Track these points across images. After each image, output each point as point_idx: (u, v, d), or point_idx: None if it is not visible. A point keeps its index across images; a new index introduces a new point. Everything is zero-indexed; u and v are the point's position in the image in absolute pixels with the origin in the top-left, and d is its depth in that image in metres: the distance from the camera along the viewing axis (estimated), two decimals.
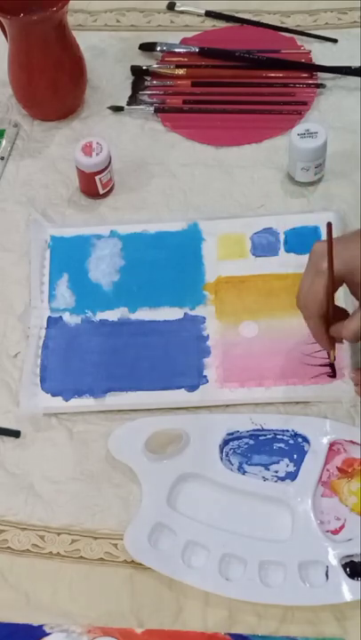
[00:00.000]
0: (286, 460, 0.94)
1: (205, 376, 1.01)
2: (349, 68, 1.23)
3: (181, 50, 1.28)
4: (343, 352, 1.00)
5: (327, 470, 0.93)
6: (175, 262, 1.10)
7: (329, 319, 0.93)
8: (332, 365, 0.99)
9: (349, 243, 0.91)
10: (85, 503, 0.95)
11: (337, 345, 1.00)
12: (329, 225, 0.88)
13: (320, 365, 1.00)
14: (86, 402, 1.01)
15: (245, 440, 0.96)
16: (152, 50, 1.28)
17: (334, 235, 0.87)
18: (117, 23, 1.34)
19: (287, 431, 0.95)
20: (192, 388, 1.00)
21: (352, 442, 0.94)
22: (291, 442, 0.95)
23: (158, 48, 1.28)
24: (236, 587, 0.88)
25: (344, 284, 0.92)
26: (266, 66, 1.25)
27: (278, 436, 0.95)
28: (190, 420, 0.97)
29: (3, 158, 1.21)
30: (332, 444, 0.94)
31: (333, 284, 0.90)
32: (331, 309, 0.92)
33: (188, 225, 1.12)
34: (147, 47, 1.29)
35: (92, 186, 1.15)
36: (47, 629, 0.89)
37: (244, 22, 1.32)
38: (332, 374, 0.99)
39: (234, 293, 1.07)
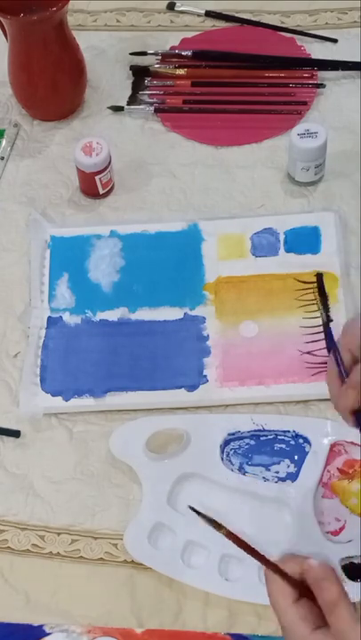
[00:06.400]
0: (287, 461, 0.94)
1: (205, 376, 1.01)
2: (349, 63, 1.24)
3: (173, 54, 1.28)
4: None
5: (328, 471, 0.93)
6: (175, 262, 1.10)
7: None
8: None
9: None
10: (85, 503, 0.95)
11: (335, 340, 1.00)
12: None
13: (320, 363, 1.00)
14: (86, 402, 1.01)
15: (246, 440, 0.96)
16: (144, 55, 1.29)
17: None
18: (117, 23, 1.33)
19: (288, 432, 0.96)
20: (192, 388, 1.00)
21: (353, 443, 0.94)
22: (292, 442, 0.95)
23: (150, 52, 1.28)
24: (236, 587, 0.88)
25: None
26: (266, 65, 1.25)
27: (279, 437, 0.96)
28: (191, 420, 0.97)
29: (3, 158, 1.21)
30: (332, 445, 0.94)
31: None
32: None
33: (188, 225, 1.12)
34: (138, 54, 1.29)
35: (92, 186, 1.14)
36: (47, 629, 0.89)
37: (244, 22, 1.32)
38: None
39: (234, 293, 1.07)
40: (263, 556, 0.68)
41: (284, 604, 0.67)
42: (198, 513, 0.69)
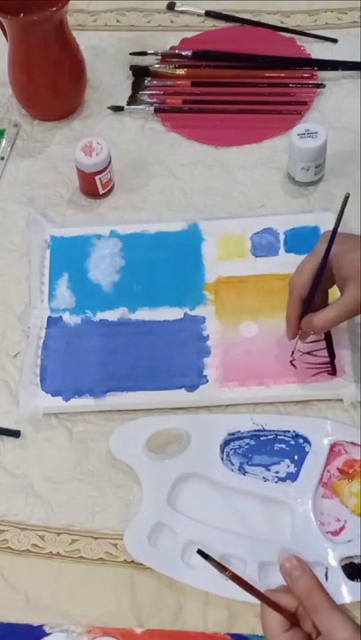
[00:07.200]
0: (287, 461, 0.94)
1: (205, 376, 1.01)
2: (349, 63, 1.24)
3: (173, 54, 1.28)
4: (343, 349, 1.01)
5: (328, 471, 0.93)
6: (175, 262, 1.10)
7: (309, 307, 0.94)
8: (332, 363, 0.99)
9: (353, 239, 0.92)
10: (85, 503, 0.95)
11: (335, 340, 1.00)
12: (346, 196, 0.88)
13: (320, 364, 1.00)
14: (86, 402, 1.01)
15: (246, 440, 0.96)
16: (144, 56, 1.29)
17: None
18: (117, 23, 1.34)
19: (288, 432, 0.96)
20: (192, 388, 1.00)
21: (353, 443, 0.94)
22: (292, 442, 0.95)
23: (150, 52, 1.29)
24: (236, 587, 0.87)
25: None
26: (266, 65, 1.25)
27: (279, 437, 0.96)
28: (191, 420, 0.97)
29: (3, 158, 1.21)
30: (332, 445, 0.94)
31: (323, 266, 0.91)
32: (313, 295, 0.93)
33: (188, 225, 1.12)
34: (138, 54, 1.29)
35: (92, 186, 1.15)
36: (47, 629, 0.89)
37: (244, 22, 1.32)
38: (333, 372, 0.99)
39: (234, 293, 1.07)
40: (264, 594, 0.74)
41: (277, 631, 0.73)
42: (205, 557, 0.72)
